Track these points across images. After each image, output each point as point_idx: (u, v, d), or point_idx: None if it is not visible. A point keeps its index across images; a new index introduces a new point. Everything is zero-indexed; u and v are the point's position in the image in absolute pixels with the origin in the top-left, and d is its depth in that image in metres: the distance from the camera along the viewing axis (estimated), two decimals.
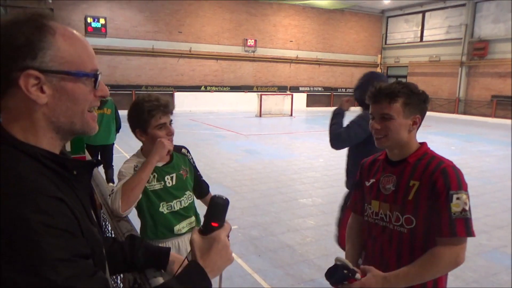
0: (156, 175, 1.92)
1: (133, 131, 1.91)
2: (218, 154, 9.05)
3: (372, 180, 1.66)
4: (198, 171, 2.21)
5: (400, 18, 24.47)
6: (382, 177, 1.60)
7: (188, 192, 2.03)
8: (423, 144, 1.60)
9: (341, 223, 3.13)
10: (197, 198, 2.18)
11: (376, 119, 1.55)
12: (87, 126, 0.84)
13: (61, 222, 0.68)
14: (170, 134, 1.90)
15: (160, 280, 1.05)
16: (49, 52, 0.75)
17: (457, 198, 1.39)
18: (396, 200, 1.53)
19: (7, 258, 0.62)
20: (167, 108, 1.89)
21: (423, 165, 1.50)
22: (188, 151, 2.18)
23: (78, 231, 0.71)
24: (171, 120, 1.94)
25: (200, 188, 2.19)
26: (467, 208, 1.40)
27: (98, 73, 0.83)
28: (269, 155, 9.06)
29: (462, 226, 1.38)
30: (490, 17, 19.74)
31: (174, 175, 1.98)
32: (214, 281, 0.91)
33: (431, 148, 1.62)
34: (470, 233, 1.41)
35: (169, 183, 1.95)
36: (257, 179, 6.86)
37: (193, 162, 2.18)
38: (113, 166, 5.98)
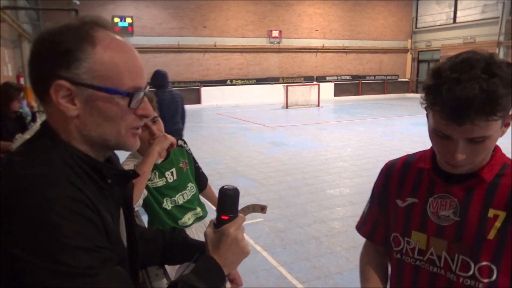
0: (157, 173, 1.88)
1: None
2: (245, 147, 9.02)
3: (411, 200, 1.10)
4: (197, 163, 2.15)
5: (431, 0, 23.43)
6: (432, 197, 1.05)
7: (190, 184, 1.99)
8: (496, 149, 1.02)
9: None
10: (200, 192, 2.12)
11: (458, 145, 0.91)
12: (124, 144, 0.79)
13: (87, 212, 0.66)
14: (152, 134, 1.79)
15: (164, 282, 1.00)
16: (84, 64, 0.71)
17: None
18: (463, 237, 0.99)
19: (27, 241, 0.60)
20: None
21: (508, 186, 0.97)
22: (184, 142, 2.10)
23: (102, 228, 0.70)
24: (155, 117, 1.81)
25: (199, 181, 2.13)
26: None
27: (137, 91, 0.76)
28: (295, 146, 8.94)
29: None
30: None
31: (174, 169, 1.94)
32: None
33: None
34: None
35: (170, 178, 1.91)
36: (283, 171, 6.78)
37: (191, 153, 2.12)
38: None
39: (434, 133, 0.96)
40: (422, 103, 0.95)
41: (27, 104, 4.44)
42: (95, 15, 0.79)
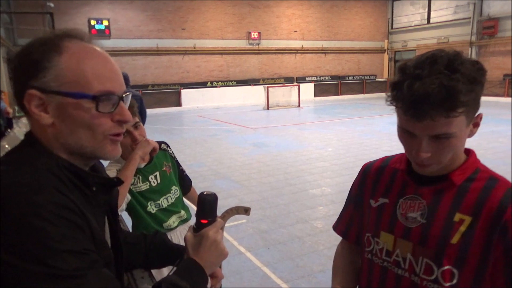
0: (140, 177, 1.89)
1: None
2: (226, 148, 9.03)
3: (383, 201, 1.09)
4: (181, 166, 2.16)
5: (405, 1, 23.96)
6: (402, 199, 1.04)
7: (174, 187, 2.01)
8: (470, 154, 1.02)
9: None
10: (184, 195, 2.14)
11: (423, 142, 0.91)
12: (101, 151, 0.79)
13: (73, 217, 0.69)
14: (134, 140, 1.80)
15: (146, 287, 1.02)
16: (51, 72, 0.73)
17: None
18: (427, 240, 0.98)
19: (16, 246, 0.62)
20: None
21: (477, 190, 0.95)
22: (168, 146, 2.12)
23: (88, 232, 0.72)
24: (136, 123, 1.82)
25: (183, 183, 2.15)
26: None
27: (106, 95, 0.76)
28: (277, 147, 9.00)
29: None
30: None
31: (157, 173, 1.95)
32: None
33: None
34: None
35: (154, 182, 1.92)
36: (265, 172, 6.82)
37: (174, 156, 2.13)
38: None
39: (401, 131, 0.96)
40: (386, 100, 0.94)
41: (4, 110, 4.35)
42: (72, 28, 0.81)
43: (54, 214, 0.65)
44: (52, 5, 13.84)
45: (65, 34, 0.77)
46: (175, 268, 0.88)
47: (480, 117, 0.95)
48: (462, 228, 0.93)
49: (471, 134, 0.96)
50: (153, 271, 1.13)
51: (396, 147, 8.42)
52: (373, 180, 1.15)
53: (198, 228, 0.92)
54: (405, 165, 1.07)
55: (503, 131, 10.06)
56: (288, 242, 4.03)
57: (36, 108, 0.74)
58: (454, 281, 0.94)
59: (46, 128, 0.76)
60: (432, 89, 0.84)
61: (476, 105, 0.91)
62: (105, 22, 17.78)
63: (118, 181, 0.87)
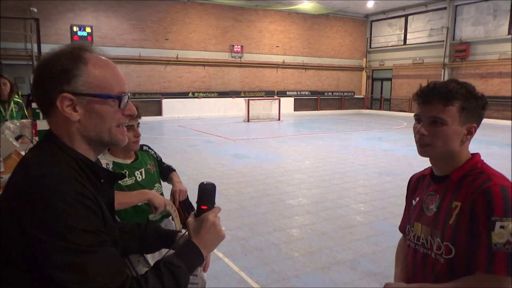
0: (127, 172, 2.07)
1: None
2: (206, 159, 9.15)
3: (417, 199, 1.43)
4: (160, 157, 2.39)
5: (383, 22, 24.93)
6: (426, 195, 1.37)
7: (157, 185, 2.21)
8: (474, 156, 1.32)
9: None
10: (163, 180, 2.36)
11: (423, 122, 1.27)
12: (115, 139, 0.97)
13: (89, 203, 0.84)
14: (137, 135, 2.04)
15: (142, 269, 1.16)
16: (81, 79, 0.90)
17: (501, 227, 1.10)
18: (437, 224, 1.29)
19: (44, 224, 0.77)
20: None
21: (468, 183, 1.24)
22: (149, 148, 2.36)
23: (100, 216, 0.87)
24: (138, 123, 2.06)
25: (164, 169, 2.36)
26: None
27: (124, 95, 0.96)
28: (256, 159, 9.19)
29: (503, 262, 1.09)
30: (470, 20, 20.28)
31: (142, 170, 2.14)
32: None
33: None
34: None
35: (139, 177, 2.11)
36: (244, 182, 6.99)
37: (157, 155, 2.36)
38: None
39: (414, 120, 1.32)
40: (413, 97, 1.33)
41: None
42: (82, 42, 1.00)
43: (75, 200, 0.81)
44: (35, 10, 13.75)
45: (83, 47, 0.96)
46: (171, 251, 1.03)
47: (473, 127, 1.28)
48: (456, 211, 1.23)
49: (464, 141, 1.28)
50: (148, 257, 1.29)
51: (370, 161, 8.75)
52: (415, 185, 1.50)
53: (198, 213, 1.05)
54: (430, 171, 1.41)
55: (472, 150, 10.55)
56: (265, 249, 4.18)
57: (67, 108, 0.90)
58: (452, 255, 1.23)
59: (72, 124, 0.92)
60: (439, 85, 1.26)
61: (471, 113, 1.26)
62: (88, 29, 17.72)
63: (122, 176, 1.06)
